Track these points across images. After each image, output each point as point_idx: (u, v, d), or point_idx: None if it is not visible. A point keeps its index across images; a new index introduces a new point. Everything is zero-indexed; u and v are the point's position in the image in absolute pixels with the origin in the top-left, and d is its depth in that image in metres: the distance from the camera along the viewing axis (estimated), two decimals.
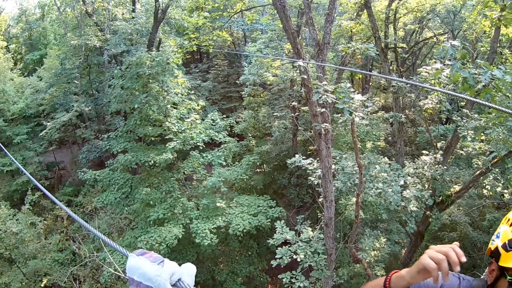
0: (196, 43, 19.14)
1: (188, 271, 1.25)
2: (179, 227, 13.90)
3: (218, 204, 14.49)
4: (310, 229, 12.20)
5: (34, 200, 19.62)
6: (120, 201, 14.76)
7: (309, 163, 12.59)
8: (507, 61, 14.08)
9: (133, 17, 22.97)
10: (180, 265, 1.25)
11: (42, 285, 16.79)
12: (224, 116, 17.81)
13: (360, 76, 25.27)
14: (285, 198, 19.37)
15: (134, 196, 14.42)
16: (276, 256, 10.85)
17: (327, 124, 10.62)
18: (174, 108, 14.98)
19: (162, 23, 21.74)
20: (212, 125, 16.28)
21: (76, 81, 27.48)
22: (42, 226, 19.62)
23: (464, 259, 1.43)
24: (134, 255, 1.26)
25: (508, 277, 1.59)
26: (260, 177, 18.92)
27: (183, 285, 1.19)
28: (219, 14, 18.28)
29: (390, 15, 17.22)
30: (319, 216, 13.05)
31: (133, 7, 24.15)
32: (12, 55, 43.30)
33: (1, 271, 17.12)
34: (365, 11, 15.98)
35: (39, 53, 46.12)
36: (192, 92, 15.82)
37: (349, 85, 9.50)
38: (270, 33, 18.98)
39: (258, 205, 15.04)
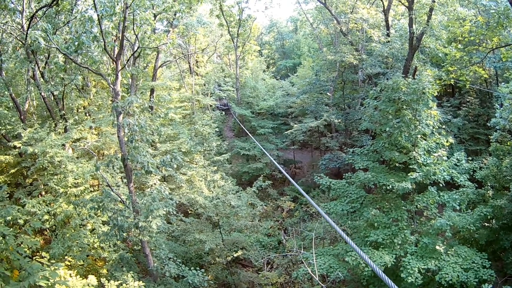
0: (454, 76, 18.44)
1: None
2: (392, 256, 13.72)
3: (437, 247, 13.77)
4: None
5: (262, 186, 20.30)
6: (345, 214, 15.40)
7: None
8: None
9: (388, 41, 23.48)
10: None
11: (235, 255, 17.64)
12: (469, 158, 16.48)
13: None
14: (500, 262, 16.85)
15: (361, 213, 14.81)
16: None
17: None
18: (424, 139, 14.69)
19: (416, 51, 21.63)
20: (455, 165, 15.33)
21: (328, 93, 29.51)
22: (260, 210, 20.56)
23: None
24: None
25: None
26: (486, 232, 16.88)
27: None
28: (475, 48, 17.84)
29: None
30: None
31: (387, 31, 24.70)
32: (265, 59, 50.31)
33: (202, 229, 18.06)
34: None
35: (292, 61, 52.11)
36: (443, 127, 15.20)
37: None
38: None
39: (473, 261, 13.68)
